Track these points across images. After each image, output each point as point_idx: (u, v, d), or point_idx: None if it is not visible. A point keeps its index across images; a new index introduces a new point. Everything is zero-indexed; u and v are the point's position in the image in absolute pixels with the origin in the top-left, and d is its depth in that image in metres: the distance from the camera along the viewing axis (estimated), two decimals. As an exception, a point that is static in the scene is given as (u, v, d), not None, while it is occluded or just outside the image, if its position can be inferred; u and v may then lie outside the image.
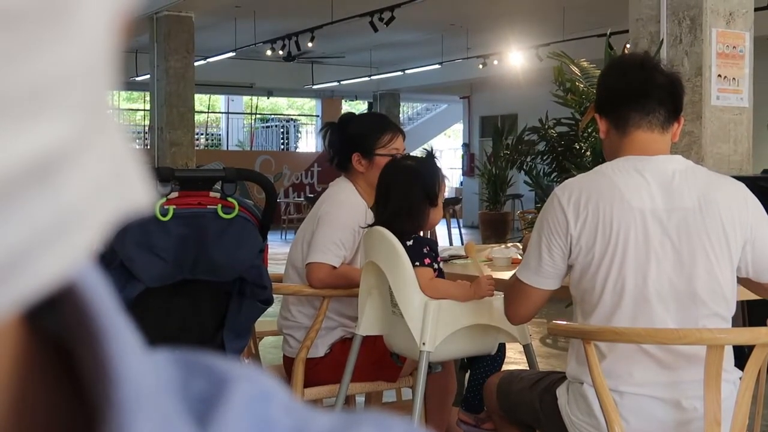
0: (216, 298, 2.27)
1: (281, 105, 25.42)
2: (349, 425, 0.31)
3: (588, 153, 5.09)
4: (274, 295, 2.37)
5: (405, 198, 2.72)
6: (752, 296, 2.52)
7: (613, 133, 2.29)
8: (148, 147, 11.53)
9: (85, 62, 0.21)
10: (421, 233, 2.81)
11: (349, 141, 3.14)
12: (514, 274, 2.35)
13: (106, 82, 0.23)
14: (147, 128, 12.43)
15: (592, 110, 2.44)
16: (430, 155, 2.85)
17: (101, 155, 0.23)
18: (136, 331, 0.27)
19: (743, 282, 2.26)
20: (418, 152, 2.93)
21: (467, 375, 2.97)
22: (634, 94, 2.25)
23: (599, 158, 3.07)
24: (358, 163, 3.14)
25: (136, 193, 0.24)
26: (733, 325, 2.23)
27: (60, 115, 0.21)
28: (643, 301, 2.15)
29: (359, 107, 22.76)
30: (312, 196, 18.10)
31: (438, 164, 2.83)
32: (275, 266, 3.13)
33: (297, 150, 22.88)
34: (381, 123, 3.25)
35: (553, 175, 5.44)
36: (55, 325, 0.26)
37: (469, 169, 20.38)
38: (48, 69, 0.21)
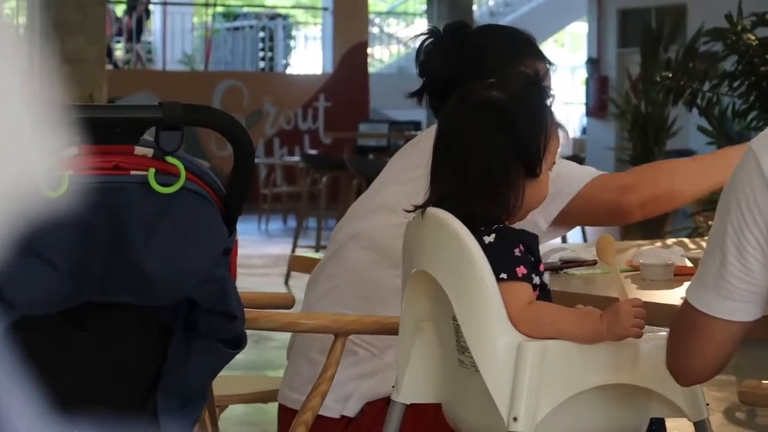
0: (146, 335, 2.29)
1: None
2: None
3: (815, 76, 5.07)
4: (248, 333, 2.38)
5: (482, 161, 2.74)
6: None
7: None
8: (25, 66, 11.60)
9: None
10: (512, 223, 2.82)
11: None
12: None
13: None
14: (22, 32, 12.45)
15: None
16: (532, 82, 2.86)
17: None
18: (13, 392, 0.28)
19: None
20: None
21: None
22: None
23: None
24: None
25: (30, 165, 0.25)
26: None
27: None
28: None
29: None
30: (315, 153, 17.97)
31: (546, 98, 2.85)
32: (251, 279, 3.15)
33: (288, 72, 22.92)
34: (535, 45, 3.43)
35: (750, 117, 5.42)
36: None
37: (598, 105, 20.30)
38: None
